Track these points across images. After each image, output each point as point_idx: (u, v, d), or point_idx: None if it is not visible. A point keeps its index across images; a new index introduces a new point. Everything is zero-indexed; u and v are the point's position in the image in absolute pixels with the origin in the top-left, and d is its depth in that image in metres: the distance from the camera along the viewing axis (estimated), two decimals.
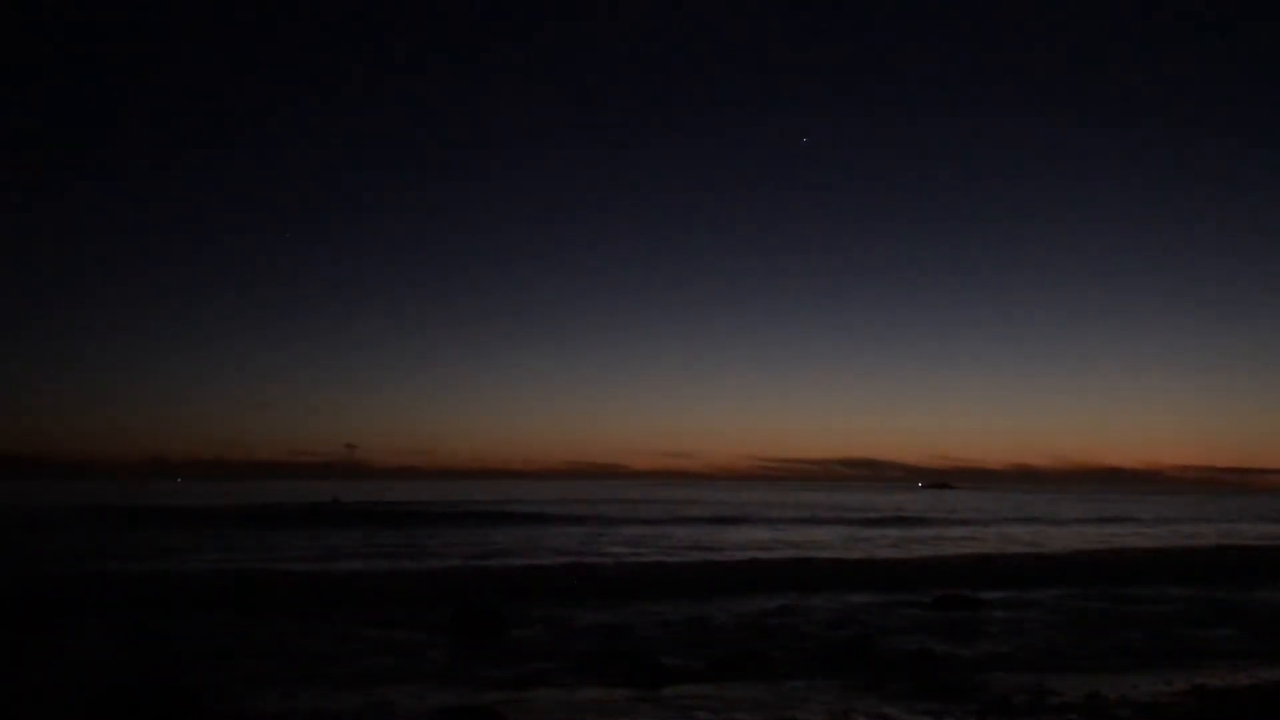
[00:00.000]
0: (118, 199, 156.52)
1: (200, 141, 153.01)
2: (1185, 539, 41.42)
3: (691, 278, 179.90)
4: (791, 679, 11.25)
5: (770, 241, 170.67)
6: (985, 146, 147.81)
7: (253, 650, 12.90)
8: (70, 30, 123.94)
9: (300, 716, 9.51)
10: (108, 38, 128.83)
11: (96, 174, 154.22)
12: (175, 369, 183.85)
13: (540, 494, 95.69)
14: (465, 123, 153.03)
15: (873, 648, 13.27)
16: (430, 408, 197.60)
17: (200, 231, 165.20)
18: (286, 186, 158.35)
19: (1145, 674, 11.82)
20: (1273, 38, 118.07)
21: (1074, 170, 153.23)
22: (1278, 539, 42.64)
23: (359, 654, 12.78)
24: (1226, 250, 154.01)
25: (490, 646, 13.54)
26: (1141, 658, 13.19)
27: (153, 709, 9.28)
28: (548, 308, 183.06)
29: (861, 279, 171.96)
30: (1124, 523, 55.43)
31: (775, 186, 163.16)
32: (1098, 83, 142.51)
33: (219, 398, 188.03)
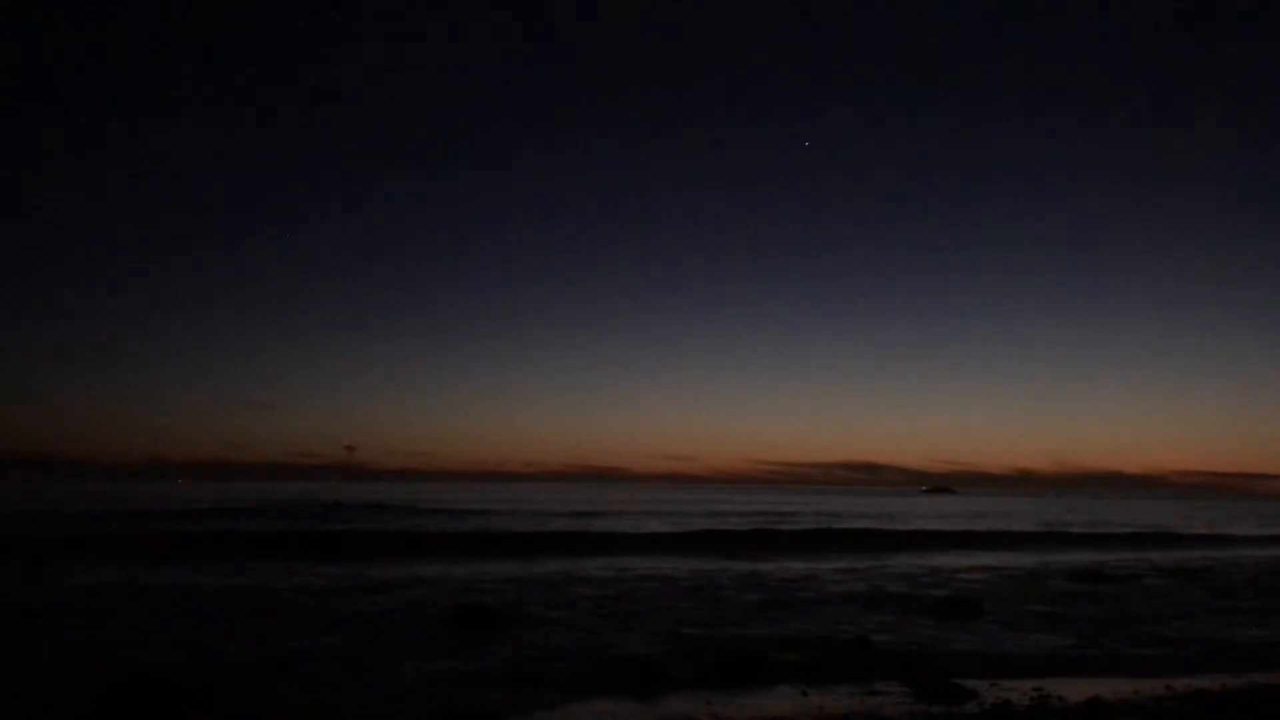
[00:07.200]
0: (117, 201, 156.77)
1: (200, 144, 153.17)
2: None
3: (692, 282, 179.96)
4: (791, 683, 11.22)
5: (770, 246, 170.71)
6: (985, 152, 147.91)
7: (251, 653, 12.87)
8: (68, 33, 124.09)
9: (299, 715, 9.49)
10: (106, 41, 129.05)
11: (96, 177, 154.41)
12: (176, 370, 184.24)
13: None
14: (466, 127, 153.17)
15: (873, 651, 13.23)
16: (430, 410, 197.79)
17: (200, 234, 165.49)
18: (287, 189, 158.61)
19: (1147, 678, 11.77)
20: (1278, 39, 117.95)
21: (1075, 175, 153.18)
22: None
23: (358, 656, 12.74)
24: (1227, 256, 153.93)
25: (491, 648, 13.49)
26: None
27: (153, 707, 9.27)
28: (548, 311, 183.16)
29: (862, 283, 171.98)
30: None
31: (776, 191, 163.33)
32: (1099, 85, 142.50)
33: (219, 399, 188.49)
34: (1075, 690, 10.75)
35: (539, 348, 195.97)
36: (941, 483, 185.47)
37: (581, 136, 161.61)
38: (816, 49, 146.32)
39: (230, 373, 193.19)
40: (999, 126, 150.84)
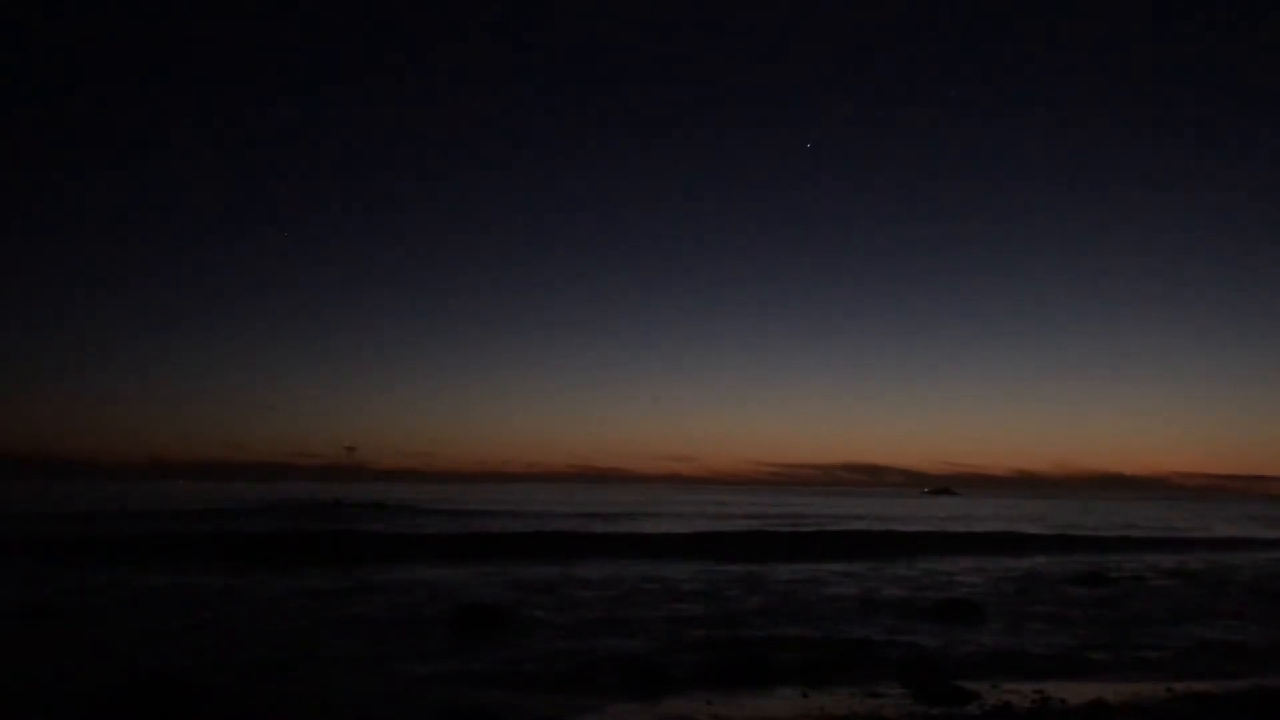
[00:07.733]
0: (117, 201, 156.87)
1: (200, 144, 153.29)
2: None
3: (693, 283, 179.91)
4: (791, 684, 11.20)
5: (771, 247, 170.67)
6: (985, 152, 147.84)
7: (252, 653, 12.86)
8: (68, 34, 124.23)
9: (301, 715, 9.47)
10: (106, 41, 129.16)
11: (96, 177, 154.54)
12: (176, 371, 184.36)
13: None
14: (466, 127, 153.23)
15: (874, 652, 13.22)
16: (431, 410, 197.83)
17: (200, 234, 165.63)
18: (286, 190, 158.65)
19: (1149, 680, 11.75)
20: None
21: (1075, 176, 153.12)
22: None
23: (358, 656, 12.73)
24: (1228, 256, 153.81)
25: (491, 649, 13.48)
26: None
27: (154, 707, 9.24)
28: (548, 311, 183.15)
29: (862, 284, 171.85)
30: None
31: (778, 192, 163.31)
32: (1102, 88, 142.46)
33: (220, 400, 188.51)
34: (1077, 692, 10.73)
35: (539, 348, 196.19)
36: (942, 484, 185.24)
37: (582, 136, 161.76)
38: (818, 50, 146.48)
39: (230, 373, 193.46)
40: (999, 126, 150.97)
